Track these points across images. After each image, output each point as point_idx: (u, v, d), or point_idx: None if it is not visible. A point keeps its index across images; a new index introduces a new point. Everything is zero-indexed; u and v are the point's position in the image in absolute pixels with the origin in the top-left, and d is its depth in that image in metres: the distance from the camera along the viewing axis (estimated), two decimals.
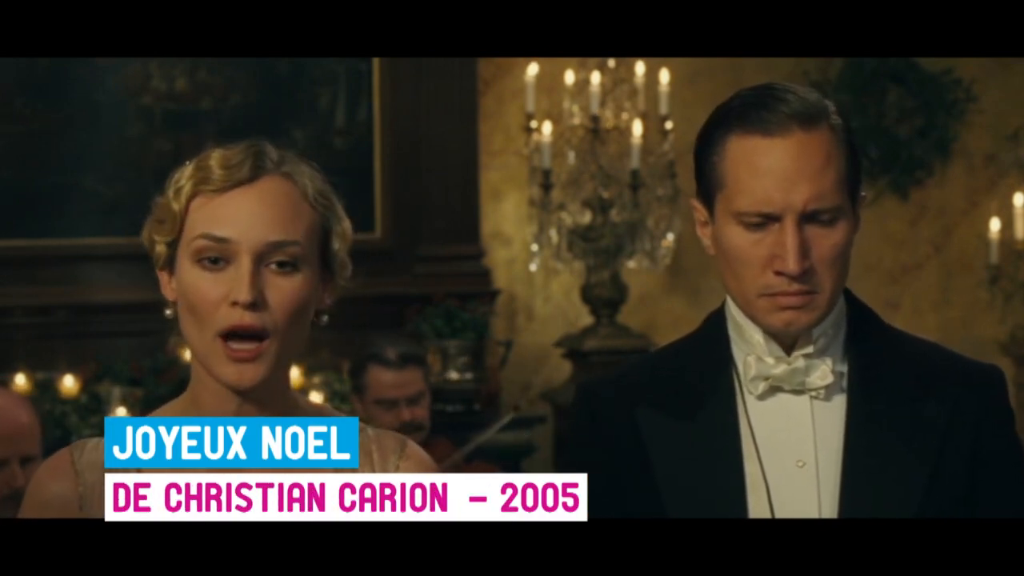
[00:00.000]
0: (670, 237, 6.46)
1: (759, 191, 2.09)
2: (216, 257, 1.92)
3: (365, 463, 2.00)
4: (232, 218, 1.92)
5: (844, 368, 2.18)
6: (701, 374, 2.21)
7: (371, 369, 4.57)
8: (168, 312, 1.99)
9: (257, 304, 1.91)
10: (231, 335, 1.92)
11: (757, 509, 2.13)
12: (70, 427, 5.65)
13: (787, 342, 2.17)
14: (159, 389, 5.69)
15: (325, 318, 2.00)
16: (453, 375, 6.07)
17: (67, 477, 1.98)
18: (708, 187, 2.16)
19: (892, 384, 2.17)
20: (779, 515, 2.13)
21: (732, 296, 2.19)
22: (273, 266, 1.93)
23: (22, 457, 3.28)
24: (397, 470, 2.01)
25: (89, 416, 5.72)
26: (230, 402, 1.96)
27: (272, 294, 1.92)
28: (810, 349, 2.16)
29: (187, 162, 1.99)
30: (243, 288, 1.90)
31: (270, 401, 1.97)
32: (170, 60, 6.21)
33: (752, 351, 2.17)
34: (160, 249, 1.97)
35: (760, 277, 2.11)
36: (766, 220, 2.10)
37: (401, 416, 4.49)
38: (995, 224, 6.85)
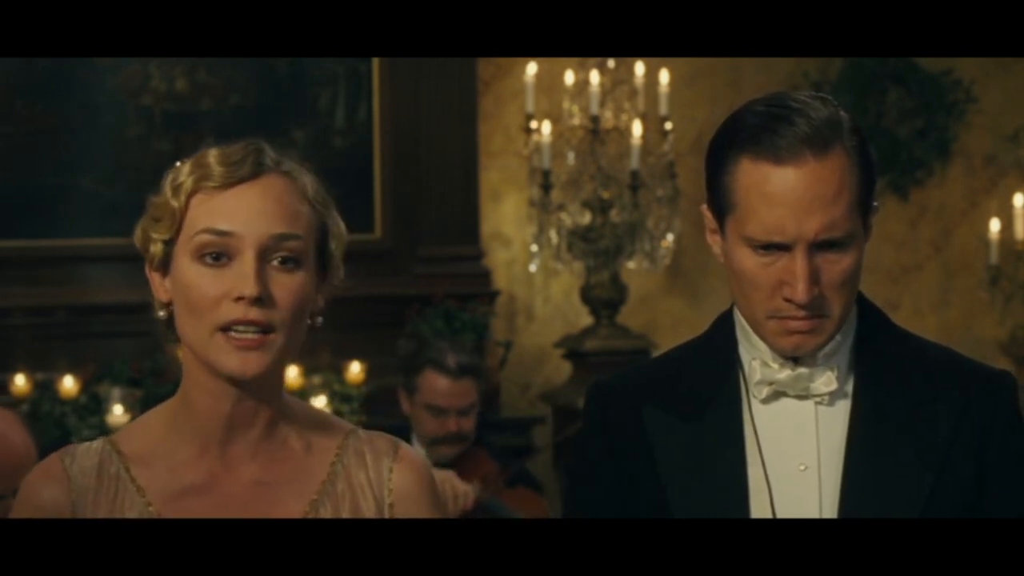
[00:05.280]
0: (670, 238, 6.46)
1: (770, 220, 2.07)
2: (218, 253, 1.90)
3: (358, 465, 2.00)
4: (235, 212, 1.91)
5: (851, 373, 2.17)
6: (708, 375, 2.20)
7: (428, 372, 4.42)
8: (161, 314, 1.97)
9: (263, 299, 1.89)
10: (232, 326, 1.89)
11: (759, 511, 2.12)
12: (69, 427, 5.65)
13: None
14: (159, 390, 5.68)
15: (320, 319, 1.98)
16: None
17: (59, 483, 1.97)
18: (719, 204, 2.13)
19: (899, 389, 2.15)
20: (780, 518, 2.12)
21: (742, 312, 2.18)
22: (276, 263, 1.91)
23: (16, 489, 3.18)
24: (391, 472, 2.00)
25: (88, 416, 5.72)
26: (225, 402, 1.94)
27: (276, 290, 1.91)
28: (816, 355, 2.15)
29: (179, 162, 1.97)
30: (249, 282, 1.88)
31: (266, 400, 1.96)
32: (170, 60, 6.21)
33: (758, 355, 2.17)
34: (156, 249, 1.95)
35: (769, 301, 2.10)
36: (776, 247, 2.08)
37: (448, 426, 4.38)
38: (995, 224, 6.85)
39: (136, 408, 5.69)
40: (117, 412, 5.66)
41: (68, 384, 5.78)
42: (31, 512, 1.97)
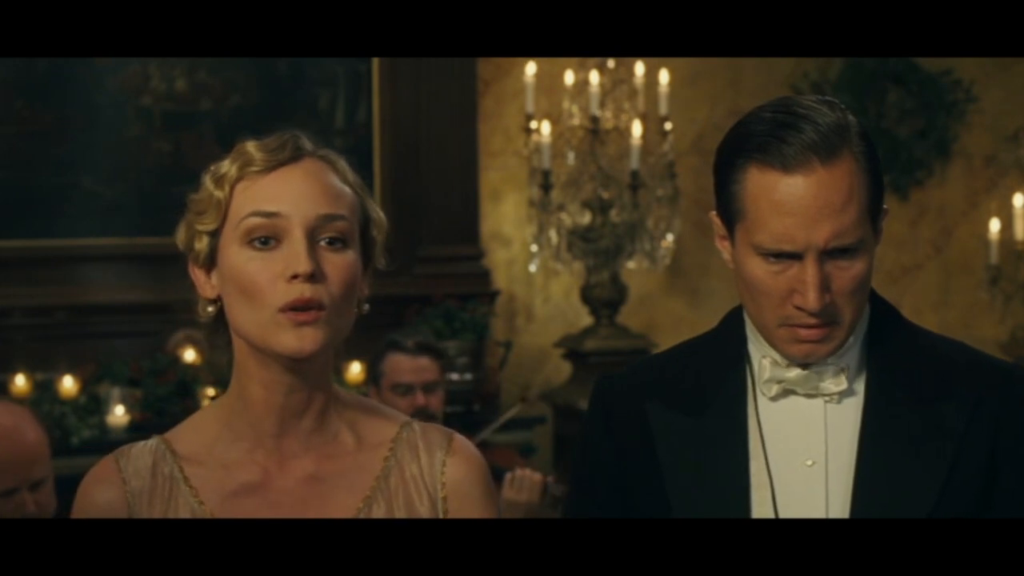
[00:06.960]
0: (670, 238, 6.46)
1: (779, 229, 2.05)
2: (267, 237, 1.92)
3: (412, 458, 2.00)
4: (280, 194, 1.94)
5: (862, 370, 2.16)
6: (714, 371, 2.20)
7: (389, 355, 4.68)
8: (210, 309, 1.98)
9: (315, 276, 1.90)
10: (291, 308, 1.91)
11: (760, 506, 2.12)
12: (69, 428, 5.64)
13: None
14: (158, 390, 5.68)
15: (366, 307, 2.01)
16: (453, 376, 6.07)
17: (115, 486, 1.98)
18: (728, 212, 2.12)
19: (911, 385, 2.15)
20: (784, 514, 2.12)
21: (752, 319, 2.17)
22: (323, 242, 1.93)
23: (32, 483, 3.17)
24: (444, 465, 2.01)
25: (88, 417, 5.72)
26: (279, 392, 1.96)
27: (327, 268, 1.92)
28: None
29: (212, 166, 1.99)
30: (301, 260, 1.90)
31: (317, 389, 1.98)
32: (169, 61, 6.21)
33: (767, 353, 2.16)
34: (201, 244, 1.97)
35: (780, 308, 2.09)
36: (786, 255, 2.07)
37: (416, 402, 4.58)
38: (995, 224, 6.86)
39: (136, 408, 5.69)
40: (117, 412, 5.66)
41: (68, 384, 5.78)
42: (88, 515, 1.98)
